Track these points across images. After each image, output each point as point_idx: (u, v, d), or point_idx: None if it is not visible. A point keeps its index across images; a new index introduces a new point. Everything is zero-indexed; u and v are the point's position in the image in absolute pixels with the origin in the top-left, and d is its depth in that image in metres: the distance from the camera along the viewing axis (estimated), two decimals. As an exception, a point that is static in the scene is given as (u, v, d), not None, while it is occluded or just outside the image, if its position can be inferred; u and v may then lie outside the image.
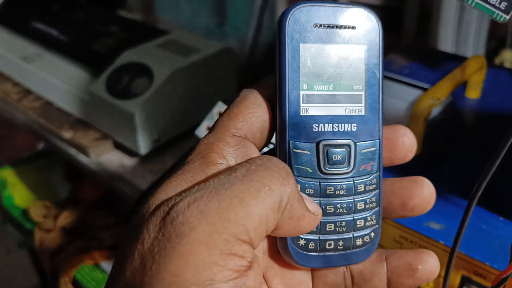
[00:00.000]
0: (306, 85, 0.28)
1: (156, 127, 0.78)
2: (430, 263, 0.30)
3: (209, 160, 0.27)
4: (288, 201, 0.25)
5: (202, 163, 0.27)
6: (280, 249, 0.30)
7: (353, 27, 0.29)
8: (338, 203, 0.29)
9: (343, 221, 0.29)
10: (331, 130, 0.29)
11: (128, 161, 0.81)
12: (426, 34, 0.94)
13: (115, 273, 0.24)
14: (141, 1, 1.25)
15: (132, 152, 0.81)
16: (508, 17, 0.31)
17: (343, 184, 0.29)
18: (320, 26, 0.28)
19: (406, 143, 0.30)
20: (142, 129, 0.76)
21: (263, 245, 0.30)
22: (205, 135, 0.28)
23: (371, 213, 0.30)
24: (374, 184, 0.29)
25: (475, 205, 0.34)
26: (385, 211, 0.31)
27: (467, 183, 0.36)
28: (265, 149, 0.31)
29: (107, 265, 0.90)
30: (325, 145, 0.29)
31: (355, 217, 0.29)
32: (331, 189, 0.29)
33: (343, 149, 0.29)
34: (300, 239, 0.29)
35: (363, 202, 0.29)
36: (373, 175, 0.29)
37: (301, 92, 0.28)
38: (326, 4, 0.28)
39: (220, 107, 0.71)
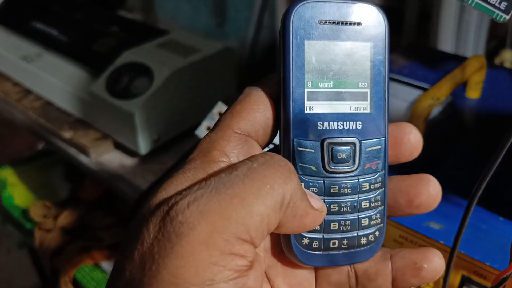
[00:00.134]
0: (310, 83, 0.28)
1: (156, 127, 0.78)
2: (435, 262, 0.29)
3: (211, 158, 0.27)
4: (290, 200, 0.25)
5: (203, 161, 0.27)
6: (284, 247, 0.29)
7: (358, 24, 0.28)
8: (342, 201, 0.29)
9: (347, 219, 0.29)
10: (336, 128, 0.28)
11: (128, 161, 0.81)
12: (426, 34, 0.94)
13: (115, 273, 0.24)
14: (141, 1, 1.25)
15: (132, 152, 0.81)
16: (508, 17, 0.30)
17: (348, 182, 0.29)
18: (325, 22, 0.28)
19: (412, 141, 0.30)
20: (142, 129, 0.76)
21: (266, 244, 0.30)
22: (208, 133, 0.28)
23: (375, 211, 0.29)
24: (379, 182, 0.29)
25: (475, 205, 0.34)
26: (391, 209, 0.30)
27: (467, 183, 0.36)
28: (265, 149, 0.31)
29: (107, 265, 0.90)
30: (330, 143, 0.28)
31: (359, 216, 0.29)
32: (335, 187, 0.29)
33: (348, 147, 0.28)
34: (304, 238, 0.29)
35: (367, 201, 0.29)
36: (378, 174, 0.29)
37: (306, 90, 0.28)
38: (331, 0, 0.28)
39: (220, 107, 0.71)
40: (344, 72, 0.28)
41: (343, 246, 0.29)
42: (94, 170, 0.81)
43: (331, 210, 0.29)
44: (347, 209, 0.29)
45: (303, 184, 0.28)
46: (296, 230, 0.27)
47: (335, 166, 0.28)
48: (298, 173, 0.28)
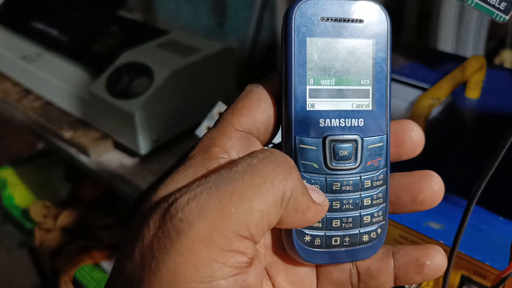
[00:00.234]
0: (312, 80, 0.28)
1: (156, 127, 0.78)
2: (437, 259, 0.29)
3: (211, 155, 0.27)
4: (291, 195, 0.25)
5: (204, 158, 0.26)
6: (286, 244, 0.29)
7: (360, 21, 0.28)
8: (344, 199, 0.29)
9: (349, 217, 0.29)
10: (337, 125, 0.28)
11: (128, 161, 0.81)
12: (426, 34, 0.94)
13: (116, 270, 0.24)
14: (141, 1, 1.25)
15: (132, 152, 0.81)
16: (507, 17, 0.30)
17: (350, 179, 0.29)
18: (327, 19, 0.28)
19: (414, 138, 0.30)
20: (142, 129, 0.76)
21: (267, 241, 0.30)
22: (209, 130, 0.28)
23: (377, 209, 0.29)
24: (381, 180, 0.29)
25: (475, 205, 0.34)
26: (394, 206, 0.30)
27: (467, 183, 0.36)
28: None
29: (107, 265, 0.90)
30: (332, 140, 0.28)
31: (361, 213, 0.29)
32: (337, 184, 0.29)
33: (349, 145, 0.28)
34: (306, 235, 0.29)
35: (369, 198, 0.29)
36: (380, 171, 0.29)
37: (308, 87, 0.28)
38: None
39: (220, 107, 0.71)
40: (346, 69, 0.28)
41: (345, 244, 0.29)
42: (94, 170, 0.81)
43: (333, 207, 0.29)
44: (349, 206, 0.29)
45: (304, 181, 0.28)
46: (298, 225, 0.27)
47: (337, 164, 0.28)
48: (300, 170, 0.28)
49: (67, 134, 0.84)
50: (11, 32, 1.03)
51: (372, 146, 0.29)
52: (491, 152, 0.32)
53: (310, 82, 0.28)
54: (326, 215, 0.29)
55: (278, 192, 0.24)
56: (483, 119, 0.63)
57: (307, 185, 0.27)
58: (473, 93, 0.65)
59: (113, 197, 1.02)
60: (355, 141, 0.29)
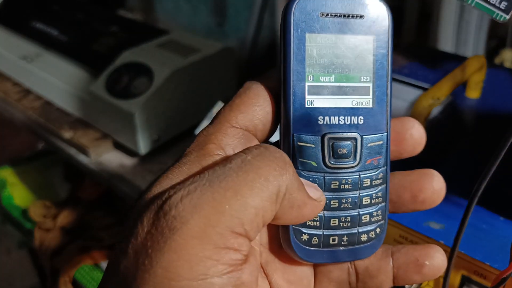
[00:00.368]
0: (311, 77, 0.28)
1: (156, 127, 0.78)
2: (437, 258, 0.29)
3: (206, 152, 0.26)
4: (287, 191, 0.25)
5: (199, 154, 0.26)
6: (283, 243, 0.29)
7: (361, 16, 0.28)
8: (343, 197, 0.28)
9: (347, 216, 0.29)
10: (337, 123, 0.28)
11: (128, 161, 0.81)
12: (426, 34, 0.94)
13: (110, 267, 0.24)
14: (141, 1, 1.25)
15: (132, 152, 0.81)
16: (508, 17, 0.30)
17: (349, 178, 0.28)
18: (327, 15, 0.27)
19: (415, 136, 0.30)
20: (142, 129, 0.76)
21: (264, 238, 0.30)
22: (205, 127, 0.28)
23: (377, 208, 0.29)
24: (380, 178, 0.29)
25: (475, 204, 0.33)
26: (394, 204, 0.30)
27: (467, 182, 0.36)
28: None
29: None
30: (331, 138, 0.28)
31: (360, 212, 0.29)
32: (336, 183, 0.28)
33: (349, 143, 0.28)
34: (303, 234, 0.28)
35: (369, 197, 0.29)
36: (379, 170, 0.29)
37: (306, 84, 0.28)
38: None
39: (220, 107, 0.71)
40: (346, 66, 0.28)
41: (343, 243, 0.29)
42: (94, 170, 0.81)
43: (332, 206, 0.28)
44: (347, 205, 0.29)
45: (302, 179, 0.28)
46: (294, 221, 0.27)
47: (335, 162, 0.28)
48: (298, 168, 0.28)
49: (67, 134, 0.84)
50: (10, 32, 1.02)
51: (372, 144, 0.29)
52: (491, 152, 0.32)
53: (309, 79, 0.28)
54: (324, 214, 0.28)
55: (273, 188, 0.24)
56: (483, 119, 0.63)
57: (303, 180, 0.27)
58: (473, 93, 0.65)
59: (113, 197, 1.02)
60: (355, 139, 0.28)
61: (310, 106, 0.28)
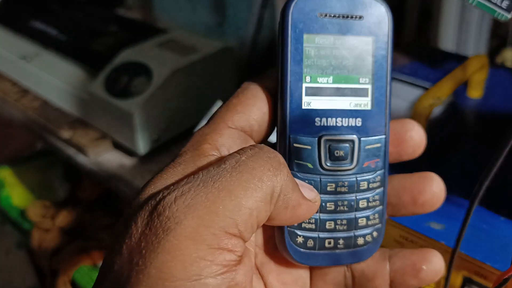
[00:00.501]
0: (309, 77, 0.27)
1: (155, 127, 0.78)
2: (435, 263, 0.29)
3: (201, 152, 0.26)
4: (281, 191, 0.25)
5: (194, 154, 0.26)
6: (278, 245, 0.29)
7: (360, 17, 0.27)
8: (339, 200, 0.28)
9: (344, 219, 0.28)
10: (334, 124, 0.28)
11: (127, 161, 0.81)
12: (427, 33, 0.94)
13: (105, 267, 0.24)
14: None
15: (131, 152, 0.81)
16: (509, 16, 0.30)
17: (345, 181, 0.28)
18: (325, 15, 0.27)
19: (415, 138, 0.29)
20: (141, 128, 0.76)
21: (259, 240, 0.30)
22: (201, 127, 0.28)
23: (373, 211, 0.29)
24: (378, 182, 0.29)
25: (476, 205, 0.33)
26: (394, 207, 0.30)
27: (469, 183, 0.36)
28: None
29: (106, 266, 0.89)
30: (327, 140, 0.28)
31: (356, 215, 0.28)
32: (332, 185, 0.28)
33: (346, 145, 0.28)
34: (299, 236, 0.28)
35: (365, 200, 0.28)
36: (377, 173, 0.28)
37: (304, 85, 0.27)
38: None
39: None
40: (345, 67, 0.28)
41: (339, 246, 0.29)
42: (93, 170, 0.80)
43: (327, 208, 0.28)
44: (344, 208, 0.28)
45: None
46: (289, 222, 0.26)
47: (332, 164, 0.28)
48: (294, 170, 0.28)
49: (66, 134, 0.84)
50: (9, 31, 1.02)
51: (369, 147, 0.28)
52: (492, 152, 0.31)
53: (307, 80, 0.27)
54: (320, 216, 0.28)
55: (267, 189, 0.24)
56: (484, 119, 0.63)
57: (298, 181, 0.27)
58: (474, 92, 0.65)
59: (112, 197, 1.02)
60: (352, 141, 0.28)
61: (307, 107, 0.28)
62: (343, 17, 0.27)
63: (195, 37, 0.89)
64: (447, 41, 0.91)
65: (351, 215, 0.29)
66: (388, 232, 0.47)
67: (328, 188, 0.28)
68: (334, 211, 0.28)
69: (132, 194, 0.72)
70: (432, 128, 0.55)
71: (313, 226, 0.28)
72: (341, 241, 0.29)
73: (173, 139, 0.82)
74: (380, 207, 0.29)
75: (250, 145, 0.26)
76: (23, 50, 0.97)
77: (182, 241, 0.22)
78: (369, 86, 0.28)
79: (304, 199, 0.26)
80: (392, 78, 0.29)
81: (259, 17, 0.99)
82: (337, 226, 0.28)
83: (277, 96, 0.28)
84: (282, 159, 0.25)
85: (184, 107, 0.82)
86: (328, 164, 0.28)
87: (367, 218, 0.29)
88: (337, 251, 0.29)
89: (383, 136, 0.29)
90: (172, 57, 0.81)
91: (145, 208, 0.24)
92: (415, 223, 0.45)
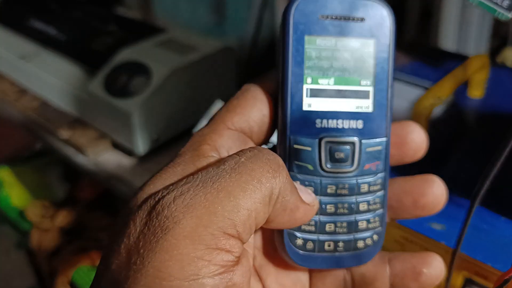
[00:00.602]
0: (310, 79, 0.27)
1: (154, 126, 0.78)
2: (435, 266, 0.29)
3: (200, 153, 0.26)
4: (279, 194, 0.25)
5: (193, 155, 0.26)
6: (277, 246, 0.29)
7: (362, 19, 0.27)
8: (339, 202, 0.28)
9: (344, 221, 0.28)
10: (335, 126, 0.28)
11: (126, 161, 0.81)
12: (428, 32, 0.93)
13: (103, 266, 0.24)
14: (140, -1, 1.25)
15: (130, 151, 0.80)
16: (509, 15, 0.30)
17: (345, 183, 0.28)
18: (327, 17, 0.27)
19: (416, 141, 0.29)
20: (140, 128, 0.76)
21: (258, 242, 0.30)
22: (201, 127, 0.28)
23: (374, 214, 0.29)
24: (378, 184, 0.28)
25: (477, 205, 0.33)
26: (396, 210, 0.30)
27: (469, 183, 0.36)
28: (264, 147, 0.30)
29: (105, 266, 0.89)
30: (328, 142, 0.27)
31: (356, 218, 0.28)
32: (332, 187, 0.28)
33: (346, 147, 0.28)
34: (298, 238, 0.28)
35: (366, 203, 0.28)
36: (378, 175, 0.28)
37: (305, 86, 0.27)
38: None
39: (219, 106, 0.70)
40: (346, 69, 0.28)
41: (338, 249, 0.28)
42: (92, 170, 0.80)
43: (327, 211, 0.28)
44: (344, 210, 0.28)
45: (298, 182, 0.28)
46: (287, 225, 0.26)
47: (332, 166, 0.28)
48: (293, 171, 0.27)
49: (65, 134, 0.84)
50: (8, 31, 1.02)
51: (370, 149, 0.28)
52: (493, 152, 0.31)
53: (308, 81, 0.27)
54: (320, 219, 0.28)
55: (266, 190, 0.24)
56: (485, 119, 0.62)
57: (297, 185, 0.27)
58: (475, 92, 0.65)
59: (111, 197, 1.02)
60: (353, 143, 0.28)
61: (308, 108, 0.28)
62: (345, 19, 0.27)
63: (195, 37, 0.89)
64: (448, 41, 0.91)
65: (351, 217, 0.28)
66: (389, 232, 0.46)
67: (328, 190, 0.28)
68: (334, 214, 0.28)
69: (130, 194, 0.72)
70: (433, 127, 0.55)
71: (313, 228, 0.28)
72: (341, 244, 0.28)
73: (173, 139, 0.82)
74: (381, 210, 0.29)
75: (250, 147, 0.26)
76: (22, 49, 0.96)
77: (181, 240, 0.22)
78: (370, 89, 0.28)
79: (302, 203, 0.26)
80: (393, 83, 0.29)
81: (259, 17, 0.99)
82: (337, 229, 0.28)
83: (278, 97, 0.28)
84: (281, 161, 0.25)
85: (184, 107, 0.81)
86: (329, 166, 0.28)
87: (368, 221, 0.29)
88: (337, 254, 0.29)
89: (384, 139, 0.28)
90: (171, 57, 0.81)
91: (144, 207, 0.24)
92: (416, 224, 0.45)
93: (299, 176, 0.28)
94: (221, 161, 0.25)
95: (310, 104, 0.27)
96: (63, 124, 0.86)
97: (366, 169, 0.28)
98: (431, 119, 0.55)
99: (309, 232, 0.28)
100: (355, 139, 0.28)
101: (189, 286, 0.22)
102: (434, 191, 0.29)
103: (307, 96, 0.27)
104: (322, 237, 0.28)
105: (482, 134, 0.60)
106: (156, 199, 0.24)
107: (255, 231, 0.25)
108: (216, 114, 0.28)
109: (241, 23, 1.05)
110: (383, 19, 0.28)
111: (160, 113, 0.78)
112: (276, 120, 0.28)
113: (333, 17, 0.27)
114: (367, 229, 0.29)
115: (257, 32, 1.00)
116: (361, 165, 0.28)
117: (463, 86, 0.65)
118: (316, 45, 0.27)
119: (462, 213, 0.34)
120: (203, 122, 0.71)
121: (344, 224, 0.28)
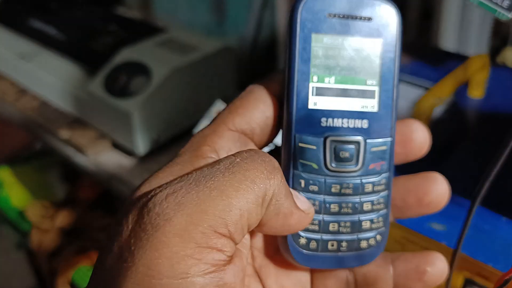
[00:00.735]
0: (316, 77, 0.27)
1: (154, 126, 0.78)
2: (438, 265, 0.29)
3: (200, 153, 0.26)
4: (273, 196, 0.24)
5: (192, 156, 0.26)
6: (280, 246, 0.29)
7: (369, 19, 0.27)
8: (343, 202, 0.28)
9: (347, 221, 0.28)
10: (340, 125, 0.28)
11: (126, 161, 0.80)
12: (428, 33, 0.93)
13: (98, 264, 0.24)
14: (140, -1, 1.25)
15: (130, 151, 0.80)
16: (510, 15, 0.30)
17: (350, 182, 0.28)
18: (334, 16, 0.27)
19: (420, 139, 0.29)
20: (140, 128, 0.76)
21: (259, 243, 0.29)
22: (202, 128, 0.28)
23: (378, 214, 0.29)
24: (383, 184, 0.28)
25: (478, 205, 0.33)
26: (400, 209, 0.30)
27: (470, 183, 0.36)
28: (265, 149, 0.30)
29: (105, 266, 0.89)
30: (333, 141, 0.27)
31: (360, 218, 0.28)
32: (336, 187, 0.28)
33: (351, 146, 0.28)
34: (301, 237, 0.28)
35: (370, 203, 0.28)
36: (382, 175, 0.28)
37: (311, 84, 0.27)
38: None
39: (219, 105, 0.70)
40: (352, 68, 0.28)
41: (341, 248, 0.28)
42: (92, 170, 0.80)
43: (331, 210, 0.28)
44: (347, 210, 0.28)
45: (303, 181, 0.27)
46: (280, 230, 0.26)
47: (337, 165, 0.28)
48: (298, 169, 0.27)
49: (65, 134, 0.84)
50: (8, 30, 1.02)
51: (375, 149, 0.28)
52: (494, 152, 0.31)
53: (314, 80, 0.27)
54: (323, 218, 0.28)
55: (259, 191, 0.24)
56: (486, 119, 0.62)
57: (293, 191, 0.27)
58: (475, 92, 0.65)
59: (111, 198, 1.02)
60: (358, 143, 0.28)
61: (313, 107, 0.27)
62: (352, 18, 0.27)
63: (195, 37, 0.89)
64: (448, 41, 0.91)
65: (355, 217, 0.28)
66: (389, 232, 0.46)
67: (333, 190, 0.28)
68: (338, 213, 0.28)
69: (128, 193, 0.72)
70: (433, 127, 0.55)
71: (317, 228, 0.28)
72: (344, 244, 0.28)
73: (173, 139, 0.82)
74: (385, 210, 0.29)
75: (247, 149, 0.26)
76: (22, 49, 0.96)
77: (170, 238, 0.22)
78: (376, 88, 0.28)
79: (297, 209, 0.26)
80: (399, 83, 0.29)
81: (259, 17, 0.98)
82: (340, 228, 0.28)
83: (283, 95, 0.28)
84: (277, 164, 0.25)
85: (184, 107, 0.81)
86: (333, 165, 0.28)
87: (371, 221, 0.29)
88: (340, 253, 0.28)
89: (389, 139, 0.28)
90: (171, 57, 0.81)
91: (137, 205, 0.24)
92: (416, 224, 0.45)
93: (303, 174, 0.27)
94: (216, 162, 0.25)
95: (316, 102, 0.27)
96: (63, 124, 0.86)
97: (370, 169, 0.28)
98: (432, 119, 0.55)
99: (313, 231, 0.28)
100: (360, 138, 0.28)
101: (178, 285, 0.22)
102: (438, 189, 0.29)
103: (313, 95, 0.27)
104: (326, 236, 0.28)
105: (482, 134, 0.59)
106: (149, 196, 0.23)
107: (256, 232, 0.25)
108: (218, 115, 0.28)
109: (241, 23, 1.05)
110: (390, 19, 0.28)
111: (160, 113, 0.78)
112: (280, 122, 0.28)
113: (341, 16, 0.27)
114: (370, 229, 0.29)
115: (257, 32, 1.00)
116: (366, 165, 0.28)
117: (464, 86, 0.65)
118: (323, 44, 0.27)
119: (463, 213, 0.34)
120: (203, 122, 0.71)
121: (348, 224, 0.28)
